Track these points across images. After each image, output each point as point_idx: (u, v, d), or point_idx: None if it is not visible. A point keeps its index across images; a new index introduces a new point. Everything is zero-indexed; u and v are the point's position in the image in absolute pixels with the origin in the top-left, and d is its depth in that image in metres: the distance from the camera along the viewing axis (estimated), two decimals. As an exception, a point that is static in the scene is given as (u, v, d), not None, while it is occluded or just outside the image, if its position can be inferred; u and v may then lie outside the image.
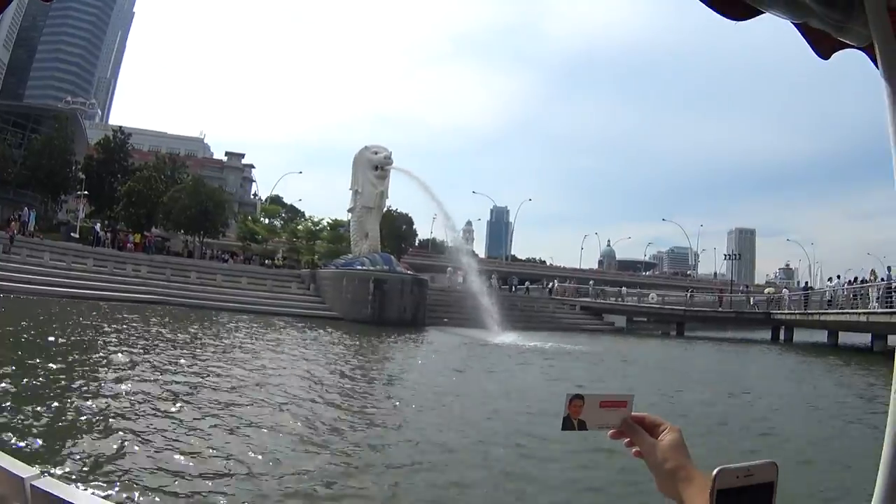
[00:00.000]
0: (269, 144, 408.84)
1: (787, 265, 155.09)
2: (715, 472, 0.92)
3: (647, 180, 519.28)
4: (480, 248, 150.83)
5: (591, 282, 62.76)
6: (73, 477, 6.28)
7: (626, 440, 1.16)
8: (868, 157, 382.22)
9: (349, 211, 47.65)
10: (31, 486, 1.62)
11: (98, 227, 48.85)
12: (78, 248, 42.43)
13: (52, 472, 5.89)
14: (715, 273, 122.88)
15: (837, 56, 1.74)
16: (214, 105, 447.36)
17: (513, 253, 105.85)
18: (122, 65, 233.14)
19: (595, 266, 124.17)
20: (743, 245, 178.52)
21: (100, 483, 6.31)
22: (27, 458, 6.07)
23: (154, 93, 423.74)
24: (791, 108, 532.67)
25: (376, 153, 44.01)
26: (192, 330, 23.75)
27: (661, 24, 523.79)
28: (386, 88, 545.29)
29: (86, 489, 5.69)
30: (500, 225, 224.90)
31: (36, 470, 1.69)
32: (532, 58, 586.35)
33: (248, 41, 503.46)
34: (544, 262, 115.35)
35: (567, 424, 1.14)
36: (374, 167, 43.62)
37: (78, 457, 7.00)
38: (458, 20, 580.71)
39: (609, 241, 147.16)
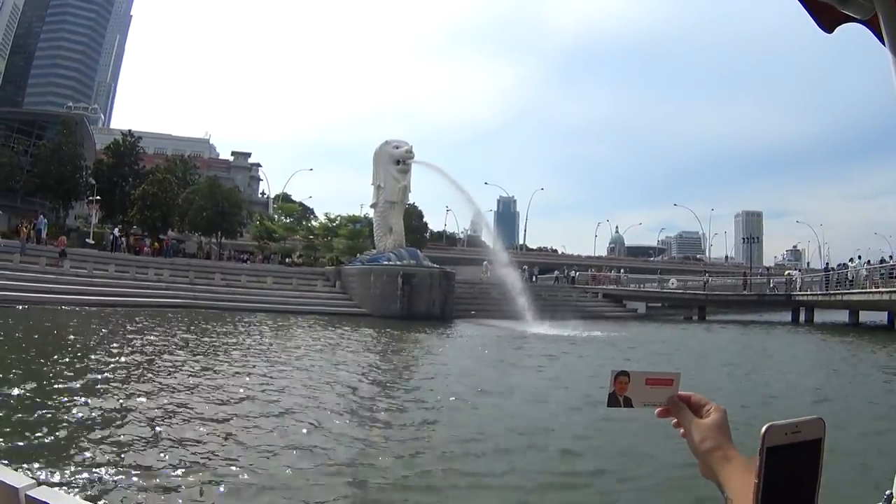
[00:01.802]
0: (273, 143, 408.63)
1: (795, 247, 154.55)
2: (764, 428, 0.92)
3: (655, 167, 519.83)
4: (489, 239, 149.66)
5: (621, 269, 62.61)
6: (69, 486, 6.15)
7: (674, 420, 1.15)
8: (871, 137, 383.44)
9: (372, 206, 47.14)
10: (26, 496, 1.62)
11: (117, 231, 48.09)
12: (97, 254, 41.82)
13: (46, 481, 5.78)
14: (726, 256, 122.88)
15: (842, 35, 1.71)
16: (217, 105, 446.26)
17: (522, 242, 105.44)
18: (122, 68, 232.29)
19: (604, 253, 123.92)
20: (750, 228, 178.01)
21: (96, 493, 6.11)
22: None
23: (155, 95, 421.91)
24: (793, 90, 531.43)
25: (397, 147, 43.44)
26: (229, 333, 23.23)
27: (664, 10, 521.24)
28: (388, 84, 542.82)
29: (81, 499, 5.33)
30: (507, 215, 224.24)
31: (30, 480, 1.69)
32: (536, 49, 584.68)
33: (248, 41, 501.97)
34: (556, 250, 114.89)
35: (612, 401, 1.14)
36: (395, 161, 43.08)
37: (75, 466, 6.79)
38: (458, 13, 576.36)
39: (617, 227, 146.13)
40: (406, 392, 13.02)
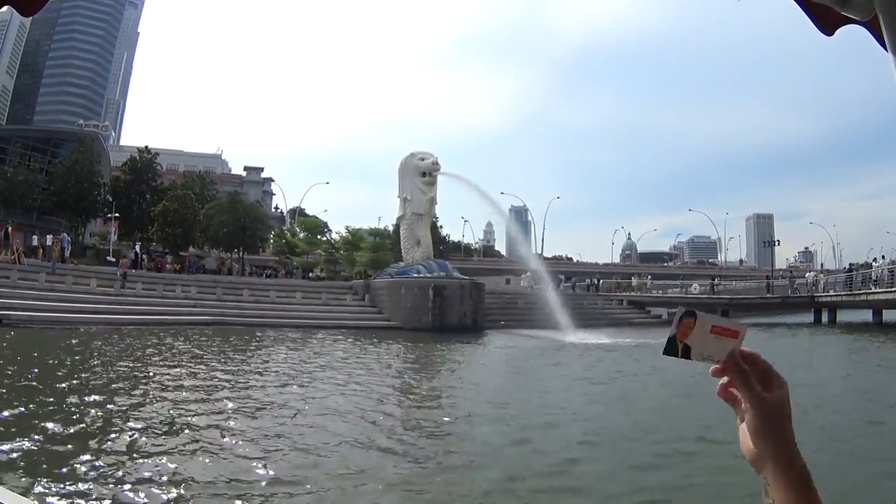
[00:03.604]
0: (281, 156, 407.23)
1: (807, 248, 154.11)
2: None
3: (665, 171, 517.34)
4: (501, 248, 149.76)
5: (647, 276, 62.36)
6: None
7: (724, 380, 0.98)
8: (878, 135, 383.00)
9: (398, 219, 46.92)
10: None
11: (138, 248, 47.71)
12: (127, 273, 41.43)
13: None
14: (741, 260, 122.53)
15: (845, 34, 1.69)
16: (226, 120, 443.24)
17: (539, 251, 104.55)
18: (130, 85, 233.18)
19: (618, 260, 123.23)
20: (762, 230, 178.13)
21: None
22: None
23: (163, 111, 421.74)
24: (798, 91, 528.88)
25: (423, 159, 43.11)
26: (270, 350, 22.84)
27: (669, 13, 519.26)
28: (396, 95, 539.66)
29: None
30: (519, 224, 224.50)
31: (31, 502, 1.59)
32: (541, 55, 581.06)
33: (255, 55, 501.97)
34: (571, 258, 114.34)
35: (670, 348, 1.00)
36: (421, 173, 42.76)
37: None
38: (464, 23, 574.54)
39: (629, 234, 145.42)
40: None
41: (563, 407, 12.55)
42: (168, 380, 14.47)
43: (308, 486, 7.06)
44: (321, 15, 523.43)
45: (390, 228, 63.13)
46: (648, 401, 13.41)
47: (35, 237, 42.93)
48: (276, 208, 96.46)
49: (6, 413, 9.81)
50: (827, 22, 1.64)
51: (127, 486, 6.71)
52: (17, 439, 8.18)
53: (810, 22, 1.63)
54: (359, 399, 13.07)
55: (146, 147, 63.76)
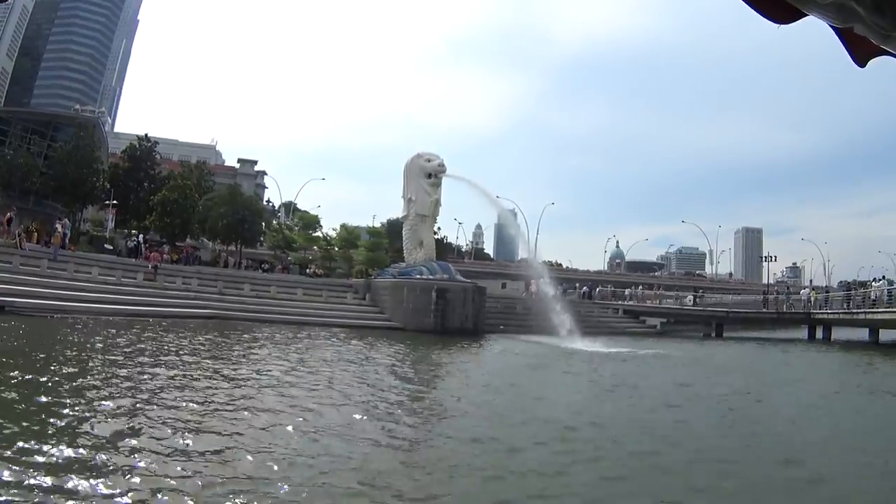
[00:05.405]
0: (273, 149, 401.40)
1: (795, 264, 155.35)
2: None
3: (656, 181, 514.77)
4: (490, 250, 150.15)
5: (640, 287, 62.82)
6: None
7: None
8: (869, 152, 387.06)
9: (402, 219, 46.88)
10: None
11: (141, 238, 47.32)
12: (123, 261, 41.20)
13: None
14: (730, 273, 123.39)
15: (838, 55, 1.70)
16: (220, 110, 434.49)
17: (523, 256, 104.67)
18: (127, 73, 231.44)
19: (602, 268, 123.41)
20: (750, 244, 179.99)
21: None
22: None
23: (159, 99, 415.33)
24: (792, 106, 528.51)
25: (429, 161, 43.07)
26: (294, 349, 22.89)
27: (667, 23, 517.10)
28: (389, 94, 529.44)
29: None
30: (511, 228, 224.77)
31: None
32: (537, 60, 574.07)
33: (253, 49, 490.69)
34: (560, 264, 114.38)
35: None
36: (427, 175, 42.74)
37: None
38: (460, 25, 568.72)
39: (618, 242, 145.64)
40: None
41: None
42: (178, 373, 14.64)
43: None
44: (319, 10, 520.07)
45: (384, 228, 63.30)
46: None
47: (57, 224, 42.07)
48: (269, 202, 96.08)
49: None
50: (861, 53, 1.72)
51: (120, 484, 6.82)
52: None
53: (806, 33, 1.78)
54: (401, 399, 13.20)
55: (146, 135, 63.29)
